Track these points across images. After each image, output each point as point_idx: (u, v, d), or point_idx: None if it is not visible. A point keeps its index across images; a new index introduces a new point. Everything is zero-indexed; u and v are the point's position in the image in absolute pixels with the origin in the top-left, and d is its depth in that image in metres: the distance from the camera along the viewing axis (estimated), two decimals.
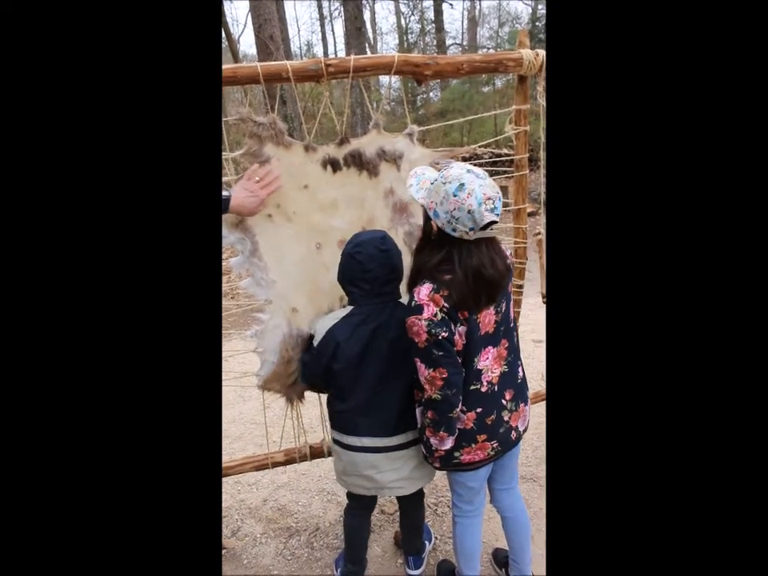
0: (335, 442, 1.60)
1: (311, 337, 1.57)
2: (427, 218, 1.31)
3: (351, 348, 1.45)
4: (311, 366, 1.57)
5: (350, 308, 1.50)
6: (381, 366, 1.47)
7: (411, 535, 1.89)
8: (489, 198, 1.18)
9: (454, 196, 1.19)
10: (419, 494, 1.80)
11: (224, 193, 1.41)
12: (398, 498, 1.85)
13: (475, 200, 1.17)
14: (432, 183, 1.28)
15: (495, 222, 1.21)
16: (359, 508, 1.77)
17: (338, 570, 1.88)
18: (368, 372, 1.47)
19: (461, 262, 1.24)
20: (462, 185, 1.19)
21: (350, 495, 1.76)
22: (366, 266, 1.42)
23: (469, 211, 1.18)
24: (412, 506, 1.83)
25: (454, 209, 1.19)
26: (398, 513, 2.17)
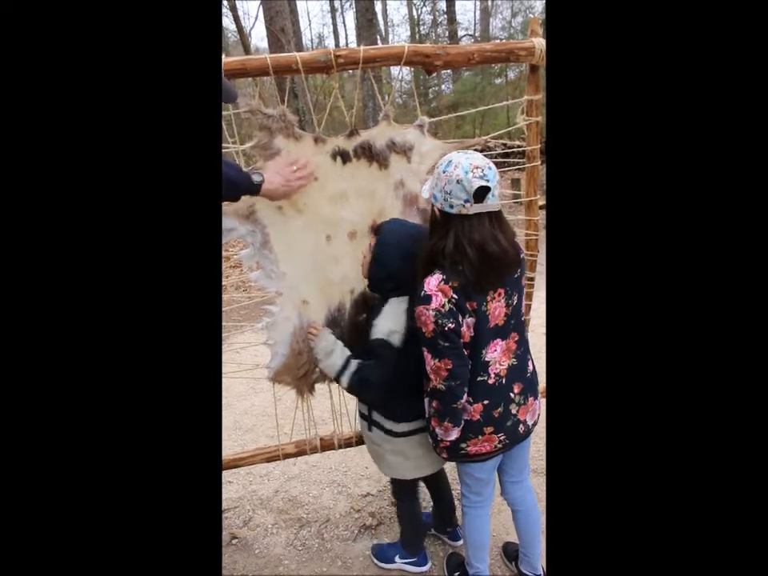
0: (387, 432, 1.59)
1: (367, 351, 1.49)
2: (432, 208, 1.33)
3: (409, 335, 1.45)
4: (383, 376, 1.47)
5: (404, 298, 1.47)
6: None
7: (447, 513, 1.98)
8: (476, 167, 1.22)
9: (444, 173, 1.25)
10: (444, 474, 1.90)
11: (255, 176, 1.40)
12: (428, 484, 1.93)
13: (462, 169, 1.21)
14: None
15: (488, 190, 1.22)
16: (413, 490, 1.81)
17: (397, 557, 1.91)
18: (415, 361, 1.45)
19: (464, 238, 1.24)
20: (450, 161, 1.25)
21: (395, 483, 1.80)
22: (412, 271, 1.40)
23: (458, 181, 1.21)
24: (441, 485, 1.93)
25: (445, 183, 1.24)
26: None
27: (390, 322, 1.46)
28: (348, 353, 1.55)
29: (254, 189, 1.40)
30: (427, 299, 1.26)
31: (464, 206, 1.22)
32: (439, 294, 1.25)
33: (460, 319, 1.27)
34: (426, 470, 1.67)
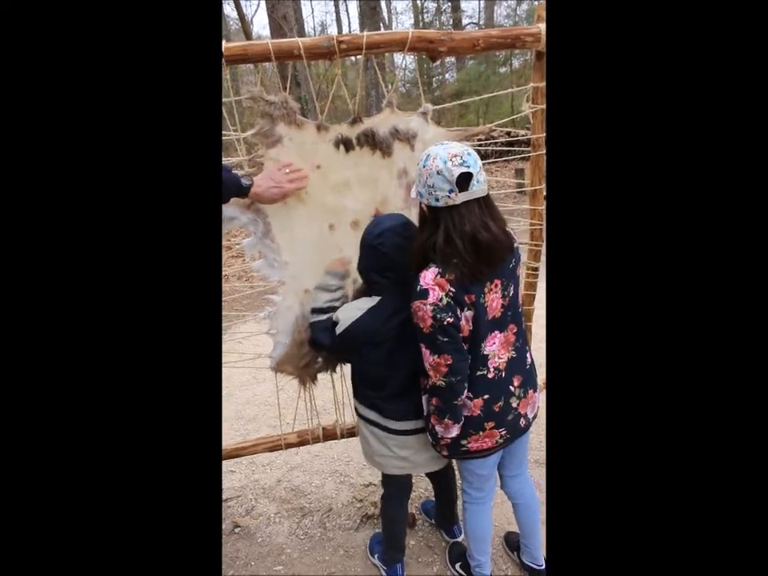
0: (369, 422, 1.57)
1: (332, 321, 1.51)
2: (420, 206, 1.31)
3: (382, 339, 1.41)
4: (330, 350, 1.56)
5: (376, 298, 1.44)
6: (412, 354, 1.41)
7: (450, 507, 1.95)
8: (455, 155, 1.20)
9: (424, 167, 1.23)
10: (451, 468, 1.85)
11: (244, 180, 1.41)
12: (432, 479, 1.91)
13: (440, 160, 1.20)
14: None
15: (471, 176, 1.19)
16: (398, 497, 1.76)
17: (376, 556, 1.90)
18: (401, 362, 1.44)
19: (455, 231, 1.21)
20: (428, 155, 1.24)
21: (386, 483, 1.74)
22: (390, 256, 1.37)
23: (438, 172, 1.19)
24: (447, 480, 1.89)
25: (427, 177, 1.22)
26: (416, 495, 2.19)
27: (344, 309, 1.49)
28: (333, 303, 1.56)
29: (244, 191, 1.42)
30: (424, 294, 1.23)
31: (449, 196, 1.19)
32: (436, 287, 1.22)
33: (458, 313, 1.24)
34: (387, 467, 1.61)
